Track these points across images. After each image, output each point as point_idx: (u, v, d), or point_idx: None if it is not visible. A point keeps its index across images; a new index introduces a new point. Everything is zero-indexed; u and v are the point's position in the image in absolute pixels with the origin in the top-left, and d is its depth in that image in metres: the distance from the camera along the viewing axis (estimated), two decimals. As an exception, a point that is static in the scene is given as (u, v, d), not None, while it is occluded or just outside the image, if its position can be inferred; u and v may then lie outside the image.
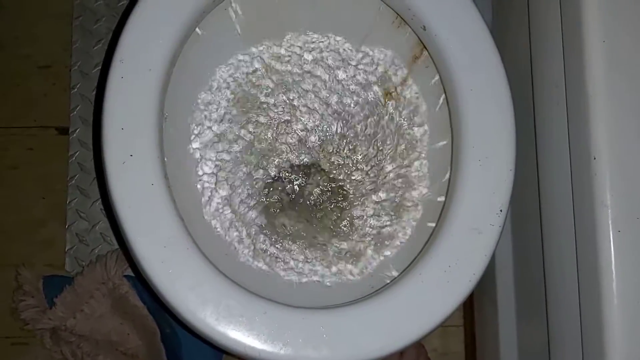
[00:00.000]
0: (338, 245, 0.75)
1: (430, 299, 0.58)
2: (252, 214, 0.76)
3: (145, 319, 0.90)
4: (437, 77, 0.68)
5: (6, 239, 0.96)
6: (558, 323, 0.64)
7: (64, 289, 0.89)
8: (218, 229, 0.72)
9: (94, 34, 1.01)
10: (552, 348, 0.66)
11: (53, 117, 0.99)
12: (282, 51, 0.75)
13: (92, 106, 0.99)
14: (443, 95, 0.69)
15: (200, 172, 0.72)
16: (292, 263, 0.74)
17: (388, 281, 0.70)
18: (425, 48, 0.68)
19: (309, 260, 0.75)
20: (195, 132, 0.73)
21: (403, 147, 0.76)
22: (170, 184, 0.61)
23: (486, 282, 0.84)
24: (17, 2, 1.03)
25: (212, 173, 0.73)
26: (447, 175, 0.70)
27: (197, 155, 0.73)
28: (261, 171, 0.77)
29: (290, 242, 0.76)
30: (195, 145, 0.72)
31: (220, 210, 0.73)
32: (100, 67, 1.00)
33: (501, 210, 0.60)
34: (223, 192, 0.74)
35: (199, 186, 0.72)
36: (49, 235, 0.96)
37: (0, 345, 0.93)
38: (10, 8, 1.02)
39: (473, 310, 0.95)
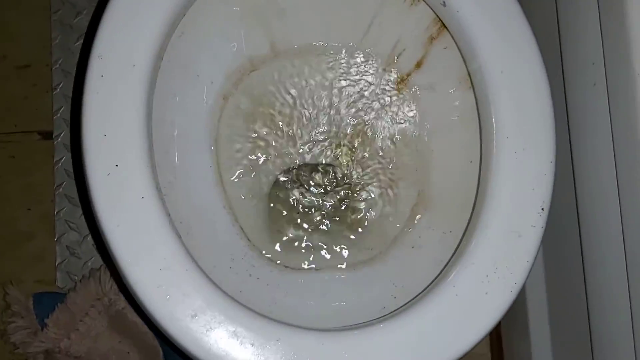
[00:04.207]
0: (347, 243, 0.72)
1: (465, 314, 0.52)
2: (258, 218, 0.71)
3: (146, 336, 0.85)
4: (458, 60, 0.62)
5: (-8, 255, 0.92)
6: (604, 339, 0.58)
7: (56, 307, 0.85)
8: (222, 240, 0.66)
9: (75, 28, 0.96)
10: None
11: (35, 121, 0.95)
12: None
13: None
14: (466, 80, 0.62)
15: (201, 177, 0.67)
16: (302, 265, 0.70)
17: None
18: (445, 27, 0.62)
19: (315, 261, 0.71)
20: (191, 135, 0.66)
21: (418, 138, 0.71)
22: (165, 193, 0.55)
23: (515, 309, 0.78)
24: (-11, -3, 0.97)
25: (213, 176, 0.68)
26: (465, 169, 0.64)
27: (195, 157, 0.66)
28: (265, 172, 0.72)
29: (299, 244, 0.72)
30: (192, 147, 0.66)
31: (223, 219, 0.67)
32: (83, 65, 0.95)
33: (543, 209, 0.54)
34: (225, 198, 0.68)
35: (198, 192, 0.66)
36: (37, 249, 0.92)
37: (-9, 370, 0.90)
38: (-19, 5, 0.97)
39: (501, 342, 0.89)
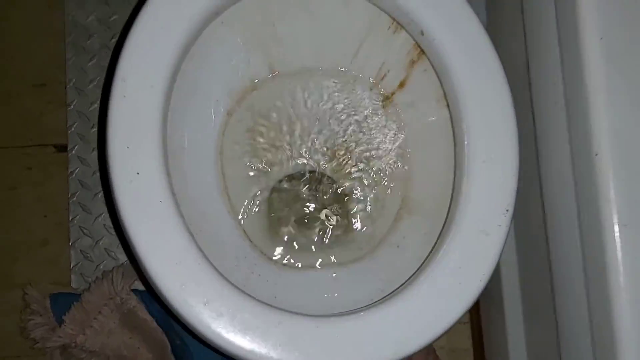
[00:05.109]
0: (339, 244, 0.78)
1: (443, 300, 0.59)
2: (258, 222, 0.77)
3: (155, 332, 0.90)
4: (436, 81, 0.69)
5: (11, 260, 0.96)
6: (567, 320, 0.65)
7: (72, 306, 0.90)
8: (227, 240, 0.73)
9: (88, 50, 1.01)
10: (563, 345, 0.66)
11: (50, 135, 1.00)
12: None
13: (90, 122, 0.99)
14: (443, 99, 0.69)
15: (207, 184, 0.73)
16: (299, 264, 0.76)
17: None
18: (424, 52, 0.68)
19: (310, 260, 0.76)
20: (199, 147, 0.73)
21: (401, 150, 0.77)
22: (178, 198, 0.61)
23: (492, 283, 0.85)
24: (8, 21, 1.02)
25: (218, 184, 0.74)
26: (443, 177, 0.70)
27: (202, 167, 0.73)
28: (264, 180, 0.78)
29: (295, 245, 0.77)
30: (201, 158, 0.73)
31: (227, 222, 0.74)
32: (95, 83, 1.00)
33: (507, 210, 0.61)
34: (229, 203, 0.74)
35: (205, 198, 0.72)
36: (53, 254, 0.97)
37: (11, 366, 0.93)
38: (2, 27, 1.02)
39: (479, 308, 0.96)
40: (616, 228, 0.53)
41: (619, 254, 0.53)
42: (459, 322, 0.60)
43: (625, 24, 0.55)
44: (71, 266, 0.96)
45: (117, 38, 1.01)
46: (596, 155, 0.54)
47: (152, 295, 0.87)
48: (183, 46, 0.63)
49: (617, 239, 0.53)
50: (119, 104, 0.60)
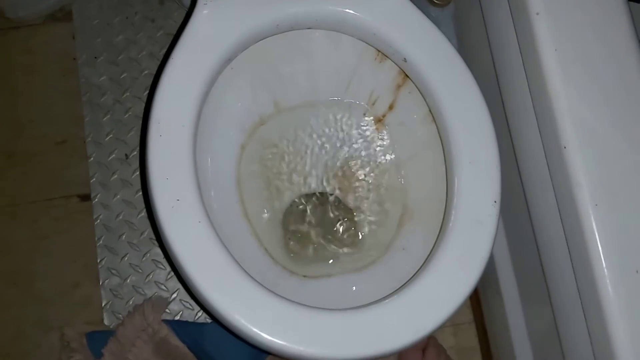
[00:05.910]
0: (350, 252, 0.85)
1: (450, 284, 0.67)
2: (277, 240, 0.86)
3: (186, 357, 0.96)
4: (420, 100, 0.79)
5: (47, 304, 1.02)
6: (559, 296, 0.73)
7: (109, 340, 0.95)
8: (250, 257, 0.81)
9: (102, 106, 1.10)
10: (558, 319, 0.74)
11: (74, 187, 1.07)
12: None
13: (109, 171, 1.08)
14: (428, 115, 0.79)
15: (230, 209, 0.82)
16: (317, 274, 0.84)
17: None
18: (408, 77, 0.79)
19: (327, 269, 0.84)
20: (221, 177, 0.82)
21: (396, 163, 0.86)
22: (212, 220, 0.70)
23: (489, 276, 0.93)
24: (27, 89, 1.11)
25: (239, 209, 0.83)
26: (435, 183, 0.79)
27: (225, 195, 0.82)
28: (278, 203, 0.87)
29: (312, 257, 0.85)
30: (223, 187, 0.82)
31: (250, 242, 0.82)
32: (111, 136, 1.09)
33: (495, 202, 0.70)
34: (249, 225, 0.83)
35: (230, 221, 0.81)
36: (85, 295, 1.03)
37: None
38: (24, 93, 1.11)
39: (481, 307, 1.04)
40: (589, 207, 0.61)
41: (594, 228, 0.61)
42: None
43: (573, 36, 0.65)
44: (102, 305, 1.02)
45: (128, 93, 1.11)
46: (565, 147, 0.63)
47: (199, 305, 0.93)
48: (204, 91, 0.73)
49: (591, 216, 0.61)
50: (156, 142, 0.69)
